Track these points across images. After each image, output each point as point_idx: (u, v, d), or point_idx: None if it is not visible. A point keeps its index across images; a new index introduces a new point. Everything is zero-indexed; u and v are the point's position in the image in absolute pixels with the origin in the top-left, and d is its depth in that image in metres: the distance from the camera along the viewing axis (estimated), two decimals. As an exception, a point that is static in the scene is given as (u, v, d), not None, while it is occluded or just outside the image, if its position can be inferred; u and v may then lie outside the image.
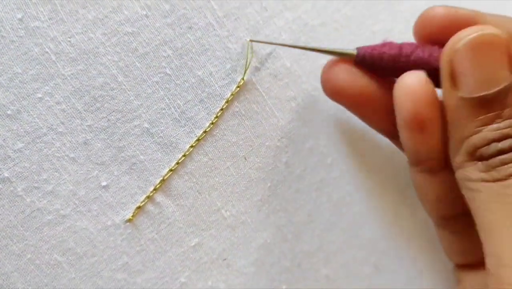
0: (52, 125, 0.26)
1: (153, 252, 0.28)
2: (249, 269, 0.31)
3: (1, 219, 0.25)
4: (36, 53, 0.26)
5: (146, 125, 0.28)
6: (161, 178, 0.28)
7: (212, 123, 0.30)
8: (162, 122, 0.28)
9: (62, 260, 0.27)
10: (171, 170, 0.29)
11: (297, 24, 0.32)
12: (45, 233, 0.26)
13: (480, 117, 0.24)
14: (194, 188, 0.29)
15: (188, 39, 0.29)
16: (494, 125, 0.24)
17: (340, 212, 0.33)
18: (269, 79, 0.31)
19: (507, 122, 0.24)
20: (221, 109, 0.30)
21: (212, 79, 0.29)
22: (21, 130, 0.26)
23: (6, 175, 0.25)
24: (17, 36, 0.25)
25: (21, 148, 0.26)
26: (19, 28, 0.25)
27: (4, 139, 0.25)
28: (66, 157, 0.26)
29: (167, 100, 0.28)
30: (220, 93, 0.30)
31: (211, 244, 0.30)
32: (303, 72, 0.32)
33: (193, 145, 0.29)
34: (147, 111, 0.28)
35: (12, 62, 0.25)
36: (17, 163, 0.26)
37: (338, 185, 0.33)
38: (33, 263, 0.26)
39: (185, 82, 0.29)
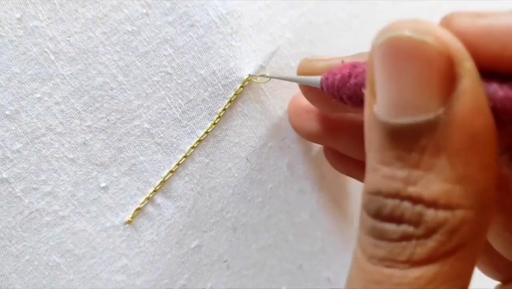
0: (51, 125, 0.26)
1: (152, 254, 0.28)
2: (249, 271, 0.31)
3: (0, 220, 0.25)
4: (35, 53, 0.25)
5: (146, 125, 0.28)
6: (161, 179, 0.28)
7: (214, 123, 0.29)
8: (162, 123, 0.28)
9: (61, 261, 0.27)
10: (171, 171, 0.28)
11: (301, 22, 0.31)
12: (43, 234, 0.26)
13: (384, 151, 0.17)
14: (195, 189, 0.29)
15: (190, 37, 0.28)
16: (387, 170, 0.17)
17: (342, 213, 0.33)
18: (273, 78, 0.30)
19: (404, 173, 0.17)
20: (224, 109, 0.29)
21: (215, 78, 0.29)
22: (20, 130, 0.25)
23: (4, 175, 0.25)
24: (15, 36, 0.25)
25: (19, 148, 0.25)
26: (18, 27, 0.25)
27: (3, 140, 0.25)
28: (65, 158, 0.26)
29: (168, 100, 0.28)
30: (223, 93, 0.29)
31: (211, 245, 0.30)
32: (308, 71, 0.31)
33: (194, 145, 0.29)
34: (148, 111, 0.28)
35: (11, 62, 0.25)
36: (16, 164, 0.25)
37: (340, 186, 0.33)
38: (31, 264, 0.26)
39: (186, 82, 0.28)
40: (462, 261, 0.17)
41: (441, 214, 0.16)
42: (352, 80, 0.21)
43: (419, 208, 0.17)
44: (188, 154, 0.29)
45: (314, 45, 0.31)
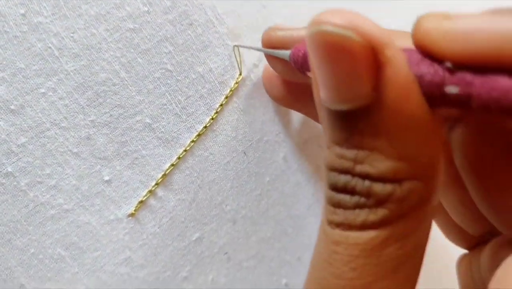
0: (55, 120, 0.26)
1: (155, 246, 0.29)
2: (249, 263, 0.31)
3: (5, 213, 0.25)
4: (39, 48, 0.26)
5: (148, 120, 0.28)
6: (163, 173, 0.29)
7: (212, 118, 0.30)
8: (163, 118, 0.29)
9: (65, 254, 0.27)
10: (172, 165, 0.29)
11: (296, 21, 0.32)
12: (48, 228, 0.26)
13: (334, 131, 0.19)
14: (195, 182, 0.30)
15: (189, 35, 0.29)
16: (338, 149, 0.19)
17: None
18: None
19: (353, 152, 0.18)
20: (221, 104, 0.30)
21: (212, 75, 0.30)
22: (24, 125, 0.26)
23: (9, 169, 0.25)
24: (20, 32, 0.25)
25: (24, 142, 0.26)
26: (22, 23, 0.25)
27: (8, 134, 0.25)
28: (69, 152, 0.27)
29: (168, 96, 0.29)
30: (220, 89, 0.30)
31: (212, 238, 0.30)
32: (301, 68, 0.32)
33: (194, 140, 0.29)
34: (149, 106, 0.28)
35: (15, 57, 0.25)
36: (21, 158, 0.26)
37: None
38: (36, 258, 0.26)
39: (185, 78, 0.29)
40: (414, 222, 0.18)
41: (389, 187, 0.18)
42: None
43: (367, 182, 0.18)
44: (188, 148, 0.29)
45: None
